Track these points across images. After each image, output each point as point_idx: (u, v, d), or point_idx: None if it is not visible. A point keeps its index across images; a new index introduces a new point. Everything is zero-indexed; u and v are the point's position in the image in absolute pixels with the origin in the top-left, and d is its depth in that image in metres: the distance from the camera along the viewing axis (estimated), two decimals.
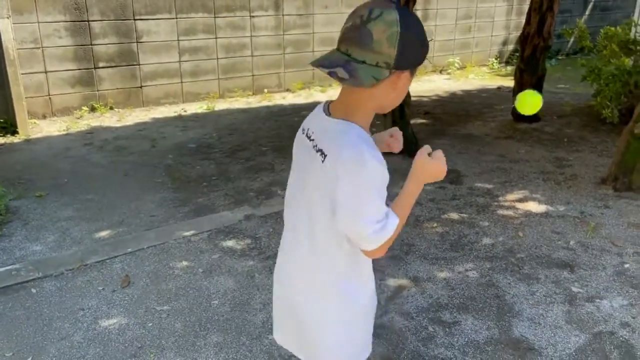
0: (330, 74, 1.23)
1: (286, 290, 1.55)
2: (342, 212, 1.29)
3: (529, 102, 1.68)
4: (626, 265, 3.13)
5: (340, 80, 1.23)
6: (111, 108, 6.77)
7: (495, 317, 2.69)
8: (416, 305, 2.80)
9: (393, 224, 1.32)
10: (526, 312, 2.72)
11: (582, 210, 3.84)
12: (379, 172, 1.27)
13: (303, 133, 1.43)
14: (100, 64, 6.60)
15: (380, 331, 2.57)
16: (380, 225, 1.29)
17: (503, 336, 2.54)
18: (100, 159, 5.07)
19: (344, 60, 1.23)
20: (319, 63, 1.26)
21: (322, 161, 1.30)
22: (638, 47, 6.03)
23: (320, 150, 1.32)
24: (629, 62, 5.48)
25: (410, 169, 1.40)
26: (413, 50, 1.27)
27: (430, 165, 1.39)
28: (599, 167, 4.61)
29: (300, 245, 1.44)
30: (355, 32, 1.22)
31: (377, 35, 1.20)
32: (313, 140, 1.37)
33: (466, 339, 2.52)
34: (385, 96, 1.32)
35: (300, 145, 1.44)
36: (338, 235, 1.35)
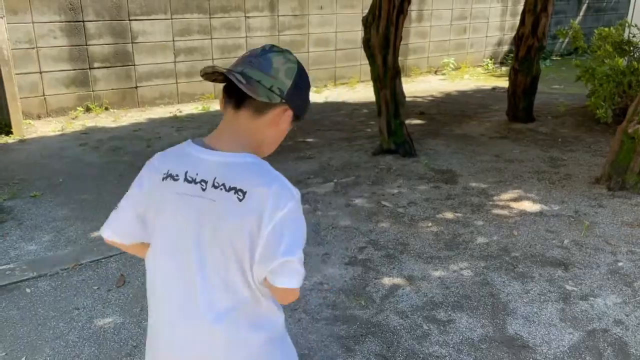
0: (228, 73, 1.18)
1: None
2: (278, 246, 1.16)
3: None
4: (620, 264, 3.15)
5: (237, 83, 1.16)
6: (106, 108, 6.76)
7: (490, 315, 2.70)
8: (411, 303, 2.80)
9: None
10: (520, 310, 2.73)
11: (576, 210, 3.86)
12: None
13: (170, 179, 1.23)
14: (96, 65, 6.59)
15: (374, 329, 2.58)
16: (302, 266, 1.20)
17: (497, 334, 2.55)
18: (95, 159, 5.06)
19: (240, 73, 1.19)
20: (210, 70, 1.20)
21: (240, 199, 1.16)
22: (632, 48, 6.07)
23: (233, 189, 1.17)
24: (622, 62, 5.51)
25: None
26: (303, 95, 1.28)
27: None
28: (593, 167, 4.64)
29: (205, 293, 1.21)
30: (255, 58, 1.22)
31: (276, 64, 1.21)
32: (204, 182, 1.19)
33: (461, 337, 2.53)
34: (268, 129, 1.25)
35: (166, 193, 1.23)
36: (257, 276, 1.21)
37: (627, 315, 2.68)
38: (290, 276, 1.19)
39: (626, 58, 6.05)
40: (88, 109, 6.62)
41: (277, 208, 1.15)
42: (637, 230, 3.54)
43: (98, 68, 6.62)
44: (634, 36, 6.19)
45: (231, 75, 1.17)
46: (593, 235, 3.48)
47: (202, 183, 1.20)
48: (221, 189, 1.18)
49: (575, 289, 2.91)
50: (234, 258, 1.18)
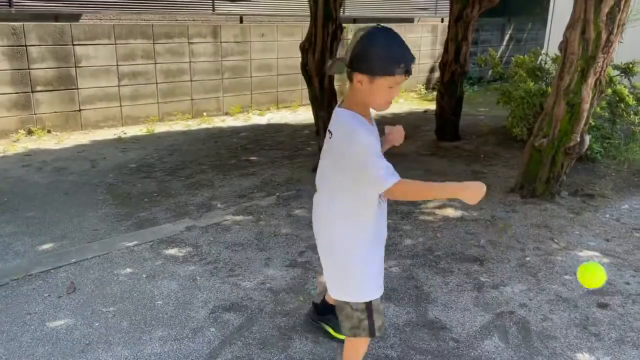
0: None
1: (314, 224, 2.17)
2: (352, 170, 1.86)
3: (591, 276, 1.93)
4: (527, 259, 3.59)
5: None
6: (49, 131, 6.80)
7: (414, 304, 3.03)
8: None
9: (397, 175, 1.83)
10: (440, 299, 3.09)
11: (493, 215, 4.31)
12: (366, 138, 1.84)
13: None
14: (38, 88, 6.65)
15: (312, 321, 2.86)
16: (386, 170, 1.82)
17: (420, 319, 2.89)
18: (39, 179, 5.14)
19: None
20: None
21: (330, 137, 1.93)
22: (544, 73, 6.75)
23: (329, 131, 1.95)
24: (533, 86, 6.13)
25: (465, 182, 1.87)
26: (369, 59, 1.78)
27: (476, 190, 1.85)
28: (509, 178, 5.15)
29: (320, 193, 2.10)
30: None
31: (349, 44, 1.83)
32: (329, 125, 1.96)
33: (388, 323, 2.84)
34: (359, 92, 1.84)
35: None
36: (341, 185, 1.95)
37: (530, 300, 3.09)
38: (375, 180, 1.89)
39: (540, 82, 6.73)
40: (30, 132, 6.64)
41: (343, 143, 1.89)
42: (543, 230, 4.01)
43: (41, 91, 6.68)
44: (545, 63, 6.89)
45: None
46: (506, 236, 3.92)
47: (329, 127, 1.97)
48: (328, 131, 1.96)
49: (488, 280, 3.31)
50: (327, 171, 2.03)
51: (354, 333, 2.11)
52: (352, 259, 2.03)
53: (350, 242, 2.02)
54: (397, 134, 2.21)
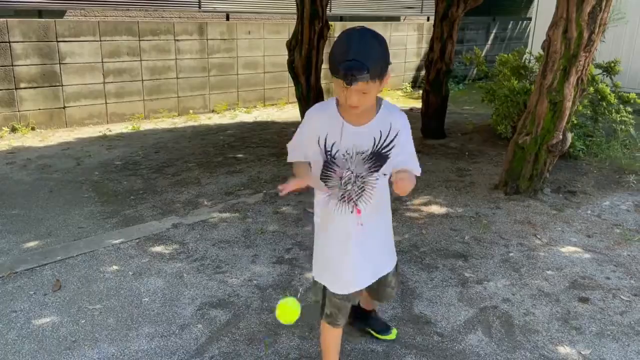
0: None
1: None
2: None
3: (286, 313, 1.99)
4: (511, 254, 3.64)
5: None
6: (33, 129, 6.74)
7: (400, 299, 3.07)
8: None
9: (291, 158, 2.10)
10: (425, 294, 3.13)
11: (477, 211, 4.37)
12: (304, 122, 2.02)
13: None
14: (22, 85, 6.59)
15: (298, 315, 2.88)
16: (289, 149, 2.07)
17: (405, 314, 2.93)
18: (23, 177, 5.09)
19: None
20: None
21: None
22: (527, 72, 6.83)
23: None
24: (517, 84, 6.21)
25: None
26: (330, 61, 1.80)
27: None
28: (494, 175, 5.21)
29: None
30: None
31: None
32: None
33: None
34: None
35: None
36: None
37: (513, 295, 3.14)
38: None
39: (524, 81, 6.81)
40: (14, 129, 6.58)
41: None
42: (526, 227, 4.07)
43: (24, 88, 6.61)
44: (529, 62, 6.98)
45: None
46: (490, 232, 3.98)
47: None
48: None
49: (472, 275, 3.36)
50: None
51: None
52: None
53: (316, 217, 2.16)
54: (399, 185, 1.85)
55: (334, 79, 1.75)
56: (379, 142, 1.94)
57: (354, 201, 2.01)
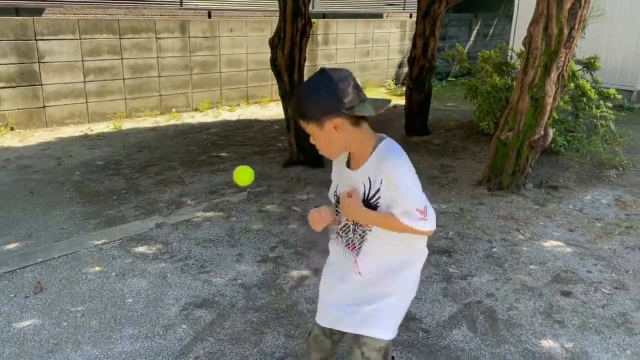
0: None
1: None
2: None
3: (243, 176, 1.94)
4: (494, 250, 3.67)
5: None
6: (12, 129, 6.63)
7: None
8: (317, 292, 3.11)
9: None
10: None
11: (461, 207, 4.40)
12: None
13: None
14: (0, 84, 6.46)
15: (284, 314, 2.88)
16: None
17: None
18: (3, 178, 5.00)
19: None
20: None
21: None
22: (509, 68, 6.89)
23: None
24: (499, 80, 6.25)
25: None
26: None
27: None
28: (477, 172, 5.25)
29: None
30: None
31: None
32: None
33: None
34: None
35: None
36: None
37: (497, 290, 3.17)
38: None
39: (506, 77, 6.87)
40: None
41: None
42: (509, 222, 4.11)
43: (3, 88, 6.49)
44: (511, 58, 7.03)
45: None
46: (474, 228, 4.01)
47: None
48: None
49: (456, 271, 3.38)
50: None
51: None
52: None
53: (329, 244, 2.06)
54: (341, 203, 1.84)
55: (322, 129, 1.73)
56: (367, 191, 1.75)
57: (357, 250, 1.84)
